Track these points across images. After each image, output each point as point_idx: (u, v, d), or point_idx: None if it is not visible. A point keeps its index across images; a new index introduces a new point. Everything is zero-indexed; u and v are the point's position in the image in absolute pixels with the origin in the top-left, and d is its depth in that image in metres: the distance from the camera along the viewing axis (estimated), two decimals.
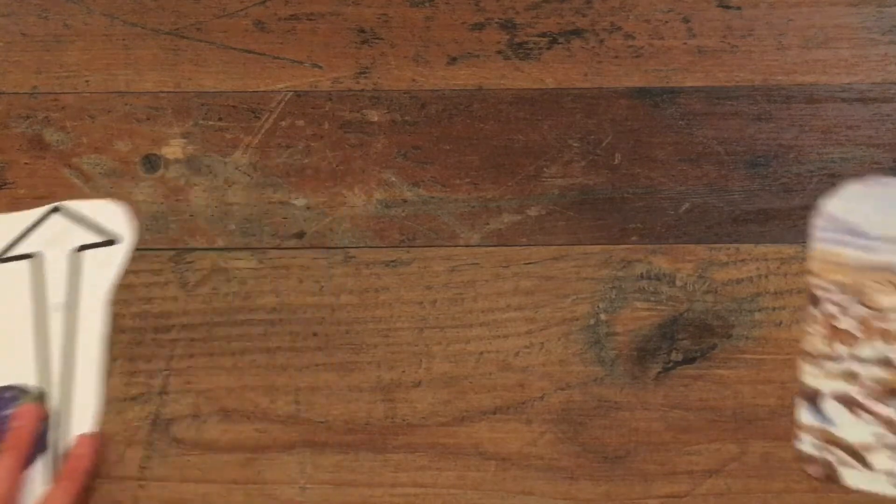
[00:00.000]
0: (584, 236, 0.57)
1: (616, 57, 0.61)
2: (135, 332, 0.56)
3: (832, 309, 0.54)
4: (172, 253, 0.57)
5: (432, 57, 0.61)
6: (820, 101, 0.59)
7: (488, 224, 0.58)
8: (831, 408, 0.52)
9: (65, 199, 0.59)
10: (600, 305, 0.56)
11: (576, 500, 0.52)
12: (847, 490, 0.52)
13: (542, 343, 0.55)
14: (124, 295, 0.56)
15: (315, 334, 0.55)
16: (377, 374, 0.55)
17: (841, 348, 0.53)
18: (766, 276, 0.56)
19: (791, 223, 0.57)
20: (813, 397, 0.53)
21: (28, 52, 0.62)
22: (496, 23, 0.62)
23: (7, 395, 0.54)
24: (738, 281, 0.56)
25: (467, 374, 0.55)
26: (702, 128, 0.59)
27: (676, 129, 0.59)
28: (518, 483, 0.53)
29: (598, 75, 0.60)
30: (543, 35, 0.61)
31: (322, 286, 0.56)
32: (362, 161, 0.59)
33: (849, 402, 0.52)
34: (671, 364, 0.55)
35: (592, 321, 0.56)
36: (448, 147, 0.59)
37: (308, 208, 0.58)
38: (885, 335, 0.53)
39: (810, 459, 0.52)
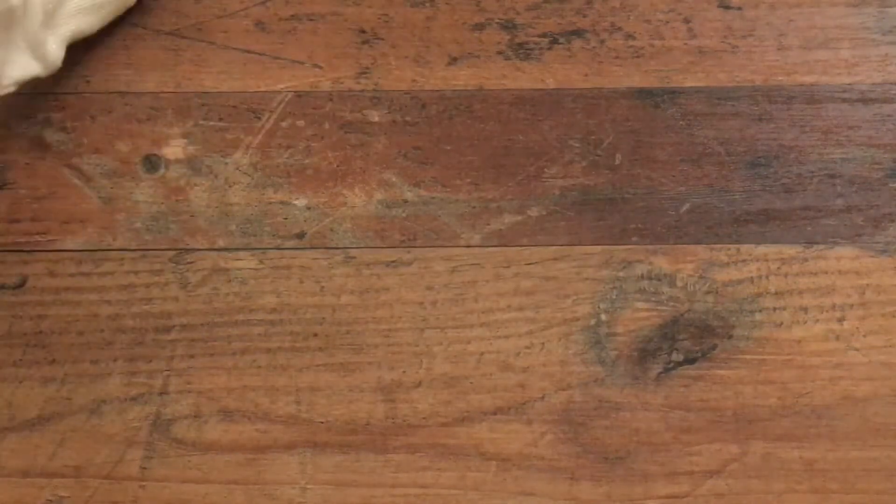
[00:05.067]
0: (584, 237, 0.57)
1: (617, 57, 0.61)
2: (135, 332, 0.56)
3: None
4: (173, 253, 0.57)
5: (433, 57, 0.61)
6: (821, 102, 0.59)
7: (489, 224, 0.58)
8: None
9: (66, 199, 0.58)
10: (601, 306, 0.56)
11: (577, 501, 0.52)
12: (849, 490, 0.52)
13: (543, 343, 0.55)
14: (124, 295, 0.56)
15: (315, 335, 0.55)
16: (378, 374, 0.55)
17: None
18: (767, 277, 0.56)
19: (792, 224, 0.57)
20: None
21: None
22: (497, 23, 0.62)
23: None
24: (739, 281, 0.56)
25: (468, 375, 0.55)
26: (702, 128, 0.59)
27: (677, 130, 0.59)
28: (519, 483, 0.53)
29: (599, 76, 0.60)
30: (544, 35, 0.61)
31: (322, 286, 0.56)
32: (363, 161, 0.59)
33: None
34: (672, 364, 0.55)
35: (593, 322, 0.56)
36: (449, 147, 0.59)
37: (308, 208, 0.58)
38: None
39: None
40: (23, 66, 0.55)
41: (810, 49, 0.61)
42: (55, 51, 0.56)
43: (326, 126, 0.60)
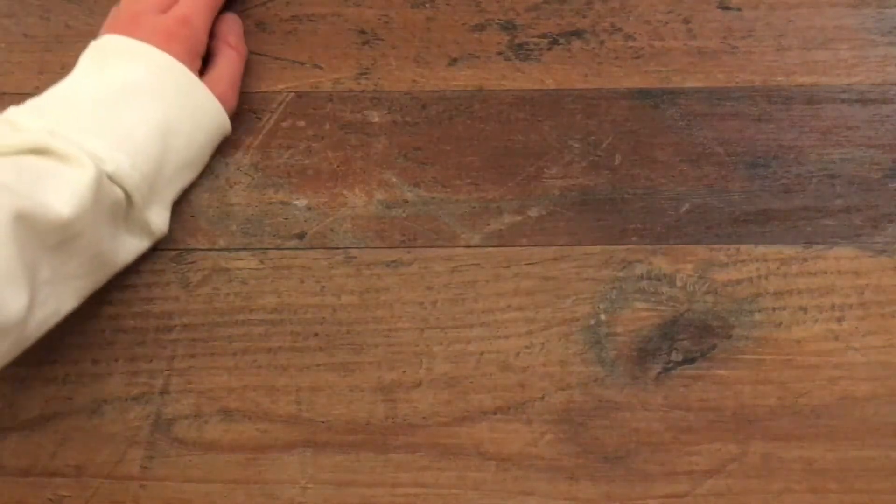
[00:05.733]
0: (584, 237, 0.57)
1: (616, 58, 0.61)
2: (136, 332, 0.56)
3: None
4: (174, 253, 0.57)
5: (433, 58, 0.61)
6: (820, 103, 0.60)
7: (489, 225, 0.58)
8: None
9: None
10: (601, 306, 0.56)
11: (576, 501, 0.52)
12: (847, 490, 0.52)
13: (543, 343, 0.56)
14: (125, 295, 0.56)
15: (316, 334, 0.56)
16: (378, 374, 0.55)
17: None
18: (766, 277, 0.56)
19: (791, 224, 0.57)
20: None
21: (30, 52, 0.62)
22: (497, 24, 0.62)
23: None
24: (738, 281, 0.56)
25: (468, 375, 0.55)
26: (702, 129, 0.59)
27: (677, 130, 0.59)
28: (518, 483, 0.53)
29: (599, 76, 0.61)
30: (544, 36, 0.62)
31: (323, 286, 0.56)
32: (363, 162, 0.59)
33: None
34: (671, 364, 0.55)
35: (593, 321, 0.56)
36: (449, 148, 0.59)
37: (309, 209, 0.58)
38: None
39: None
40: (132, 249, 0.55)
41: (809, 50, 0.61)
42: (160, 222, 0.56)
43: (327, 126, 0.60)
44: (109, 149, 0.51)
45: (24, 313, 0.47)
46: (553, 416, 0.54)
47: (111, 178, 0.51)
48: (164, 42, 0.55)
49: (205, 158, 0.58)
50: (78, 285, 0.51)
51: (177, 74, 0.55)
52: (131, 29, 0.56)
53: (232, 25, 0.60)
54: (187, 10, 0.57)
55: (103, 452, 0.53)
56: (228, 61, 0.59)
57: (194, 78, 0.56)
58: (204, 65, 0.58)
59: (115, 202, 0.52)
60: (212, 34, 0.59)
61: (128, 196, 0.52)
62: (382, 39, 0.62)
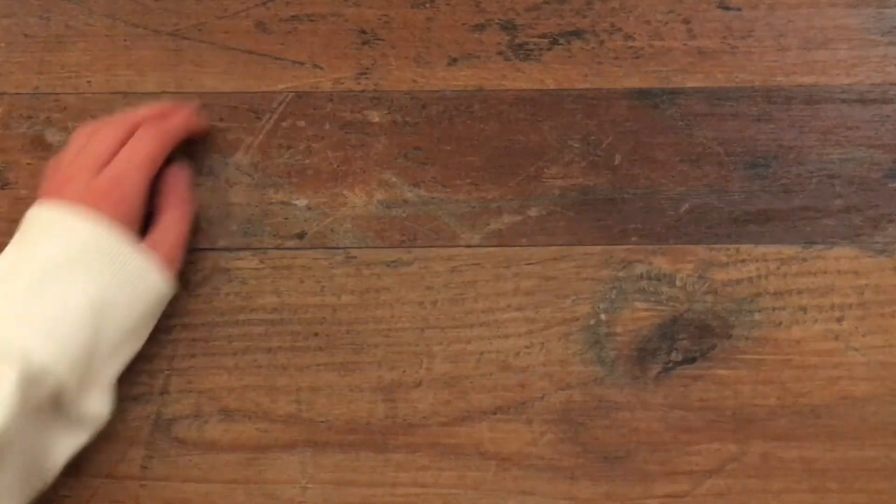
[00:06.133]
0: (584, 237, 0.58)
1: (616, 58, 0.61)
2: None
3: None
4: None
5: (433, 58, 0.61)
6: (819, 103, 0.60)
7: (489, 224, 0.58)
8: None
9: None
10: (600, 306, 0.56)
11: (576, 500, 0.52)
12: (847, 489, 0.52)
13: (543, 343, 0.56)
14: None
15: (316, 334, 0.56)
16: (378, 374, 0.55)
17: None
18: (766, 277, 0.56)
19: (791, 224, 0.57)
20: None
21: (29, 52, 0.62)
22: (497, 24, 0.62)
23: None
24: (738, 281, 0.56)
25: (468, 374, 0.55)
26: (702, 129, 0.59)
27: (676, 130, 0.59)
28: (518, 483, 0.53)
29: (599, 76, 0.61)
30: (544, 36, 0.62)
31: (323, 286, 0.56)
32: (363, 161, 0.59)
33: None
34: (671, 364, 0.55)
35: (593, 321, 0.56)
36: (449, 148, 0.59)
37: (309, 208, 0.58)
38: None
39: None
40: (67, 447, 0.49)
41: (809, 50, 0.61)
42: (98, 408, 0.50)
43: (327, 126, 0.60)
44: (34, 337, 0.47)
45: None
46: (553, 416, 0.54)
47: (39, 371, 0.46)
48: (95, 205, 0.51)
49: (148, 327, 0.53)
50: (10, 503, 0.46)
51: (107, 244, 0.50)
52: (62, 192, 0.52)
53: (177, 179, 0.56)
54: (121, 169, 0.53)
55: (103, 452, 0.53)
56: (172, 220, 0.54)
57: (128, 245, 0.51)
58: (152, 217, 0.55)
59: (44, 397, 0.46)
60: (157, 189, 0.55)
61: (59, 388, 0.47)
62: (382, 39, 0.62)
